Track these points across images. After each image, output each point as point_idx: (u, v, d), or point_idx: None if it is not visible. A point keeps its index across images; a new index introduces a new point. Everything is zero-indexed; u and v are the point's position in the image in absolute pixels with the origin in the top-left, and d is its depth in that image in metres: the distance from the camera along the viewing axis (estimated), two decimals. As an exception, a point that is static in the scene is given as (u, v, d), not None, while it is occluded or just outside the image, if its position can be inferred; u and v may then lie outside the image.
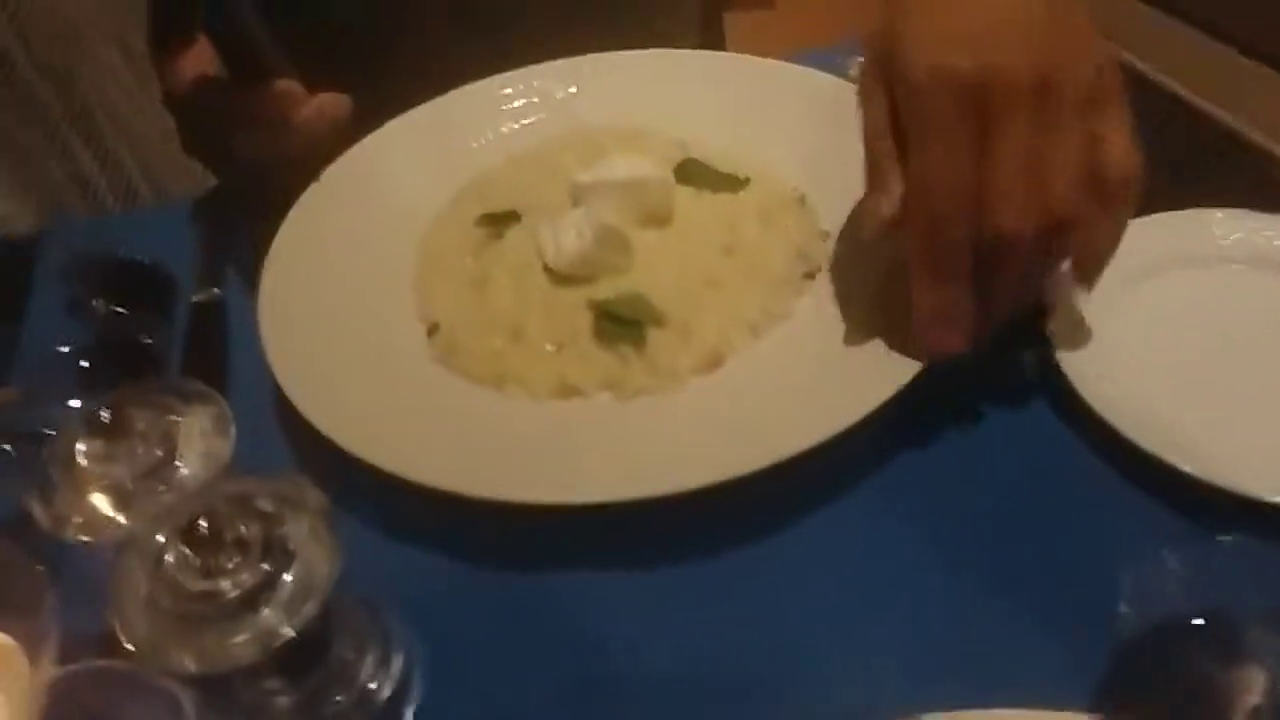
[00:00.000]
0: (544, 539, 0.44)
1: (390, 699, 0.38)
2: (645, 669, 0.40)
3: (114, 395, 0.37)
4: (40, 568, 0.32)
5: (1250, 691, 0.37)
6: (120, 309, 0.54)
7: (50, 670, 0.29)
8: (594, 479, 0.44)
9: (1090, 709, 0.37)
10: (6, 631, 0.31)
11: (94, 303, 0.53)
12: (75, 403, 0.46)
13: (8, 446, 0.44)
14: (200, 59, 0.63)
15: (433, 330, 0.53)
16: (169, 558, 0.32)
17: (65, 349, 0.50)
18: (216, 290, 0.57)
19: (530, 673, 0.40)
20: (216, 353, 0.53)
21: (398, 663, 0.39)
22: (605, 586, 0.43)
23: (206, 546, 0.32)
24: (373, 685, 0.38)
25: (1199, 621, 0.39)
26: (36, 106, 0.70)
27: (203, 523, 0.31)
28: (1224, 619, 0.39)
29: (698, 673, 0.40)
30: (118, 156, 0.77)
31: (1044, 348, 0.48)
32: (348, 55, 0.68)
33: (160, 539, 0.32)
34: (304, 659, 0.36)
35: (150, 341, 0.52)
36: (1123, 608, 0.39)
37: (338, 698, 0.37)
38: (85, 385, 0.47)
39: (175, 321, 0.55)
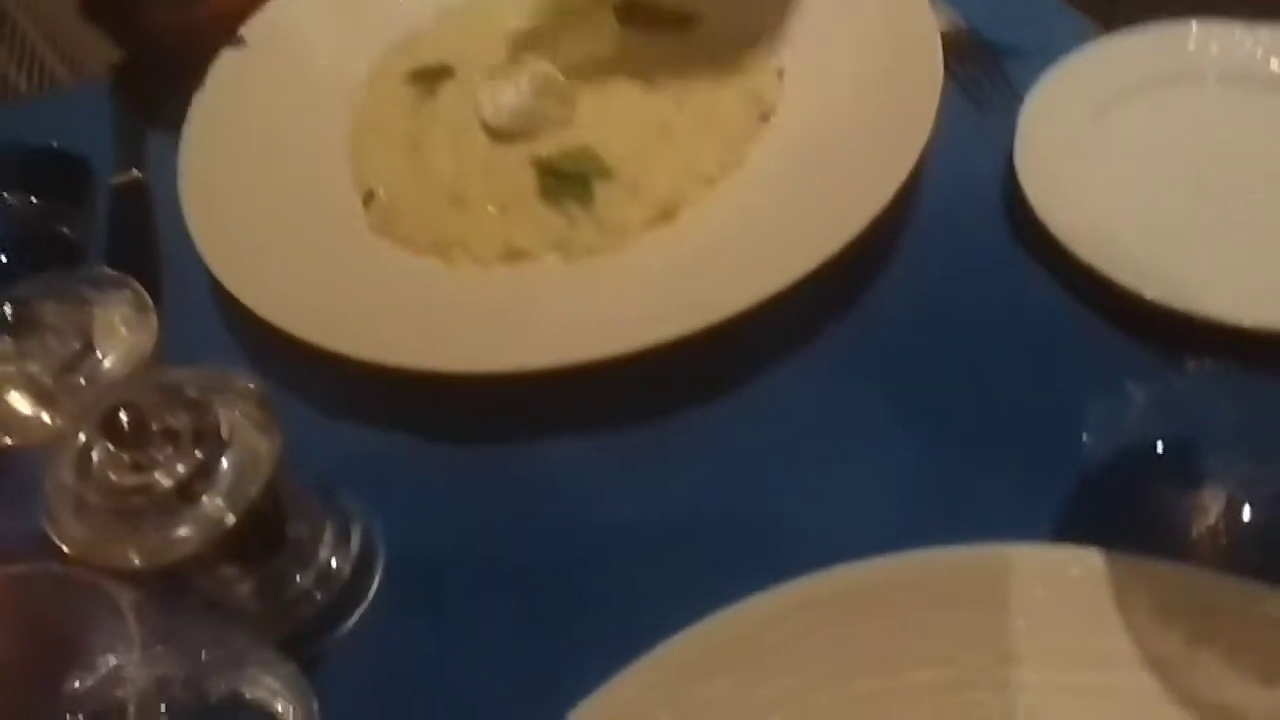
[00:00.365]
0: (498, 407, 0.43)
1: (352, 575, 0.38)
2: (610, 532, 0.40)
3: (19, 287, 0.34)
4: (-37, 473, 0.30)
5: (1209, 513, 0.38)
6: (35, 199, 0.50)
7: (-17, 575, 0.28)
8: (546, 343, 0.42)
9: (1053, 538, 0.38)
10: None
11: (4, 194, 0.50)
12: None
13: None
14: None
15: (369, 199, 0.50)
16: (95, 455, 0.30)
17: (-22, 244, 0.47)
18: (136, 172, 0.54)
19: (492, 540, 0.40)
20: (143, 239, 0.50)
21: (356, 539, 0.39)
22: (564, 452, 0.42)
23: (133, 440, 0.30)
24: (333, 563, 0.38)
25: (1160, 449, 0.39)
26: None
27: (123, 415, 0.30)
28: (1186, 445, 0.39)
29: (664, 533, 0.39)
30: (23, 32, 0.72)
31: (1008, 177, 0.46)
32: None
33: (83, 436, 0.31)
34: (258, 543, 0.35)
35: (69, 231, 0.49)
36: (1086, 438, 0.39)
37: (298, 578, 0.37)
38: (3, 280, 0.45)
39: (95, 209, 0.52)
